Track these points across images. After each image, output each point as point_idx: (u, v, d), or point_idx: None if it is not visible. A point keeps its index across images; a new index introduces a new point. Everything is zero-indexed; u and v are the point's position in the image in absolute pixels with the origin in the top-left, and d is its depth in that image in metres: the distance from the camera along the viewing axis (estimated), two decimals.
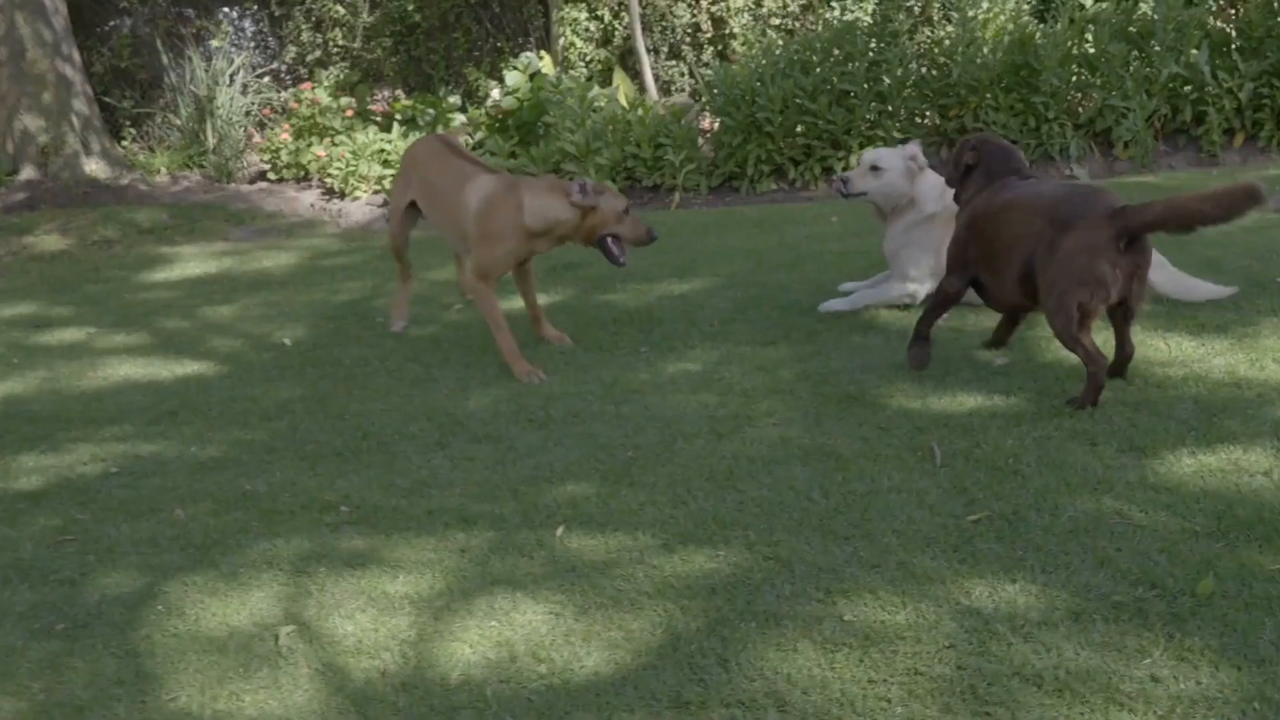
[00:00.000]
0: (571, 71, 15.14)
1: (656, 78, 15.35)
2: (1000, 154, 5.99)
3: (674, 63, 15.92)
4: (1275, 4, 11.49)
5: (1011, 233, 5.49)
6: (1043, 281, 5.31)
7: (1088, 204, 5.23)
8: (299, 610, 4.36)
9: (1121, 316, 5.40)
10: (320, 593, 4.46)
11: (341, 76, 16.38)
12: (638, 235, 6.66)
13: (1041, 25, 12.35)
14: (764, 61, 12.46)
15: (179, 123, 15.17)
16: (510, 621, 4.12)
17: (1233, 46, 11.54)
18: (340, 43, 16.83)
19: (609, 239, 6.64)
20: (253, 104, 15.43)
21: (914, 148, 6.87)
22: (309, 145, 14.15)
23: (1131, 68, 11.55)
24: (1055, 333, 5.36)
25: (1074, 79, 11.84)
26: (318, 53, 16.86)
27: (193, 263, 11.36)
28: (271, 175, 14.48)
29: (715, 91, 12.62)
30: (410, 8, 16.48)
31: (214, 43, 15.88)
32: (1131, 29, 11.95)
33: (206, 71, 14.91)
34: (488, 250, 6.72)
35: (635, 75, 14.94)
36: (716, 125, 12.93)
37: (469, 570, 4.50)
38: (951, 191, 6.20)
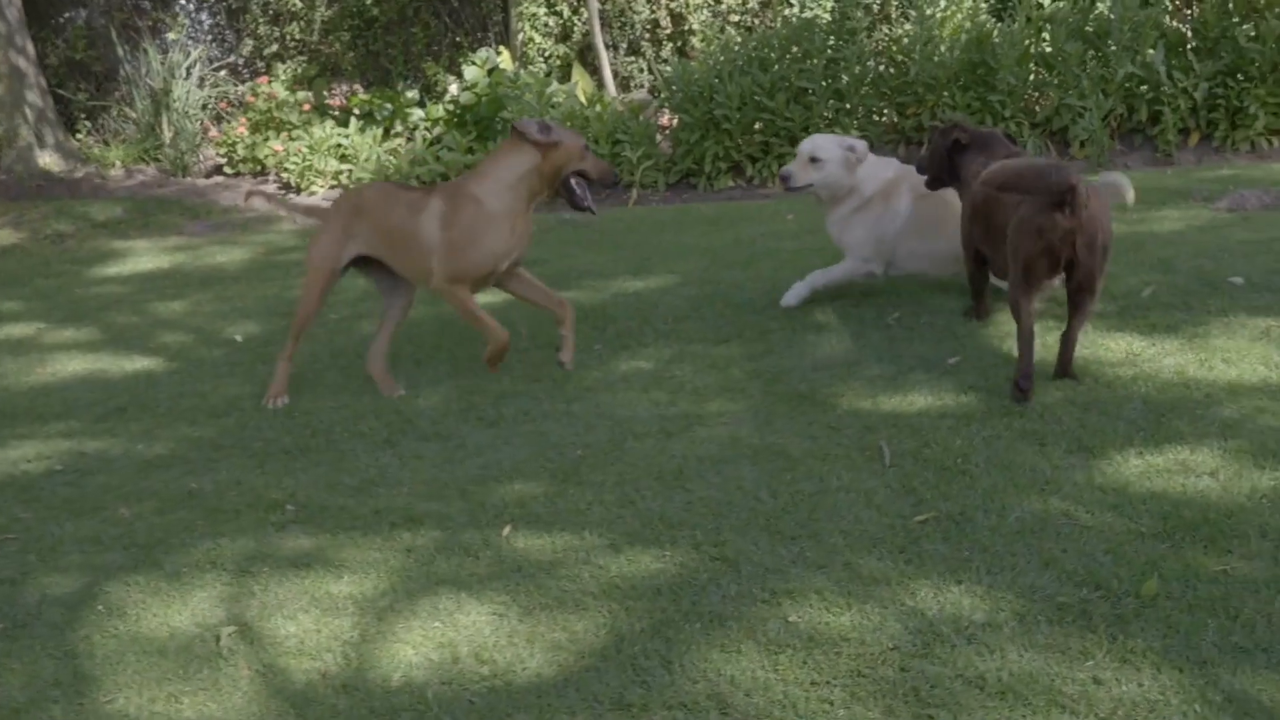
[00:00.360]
0: (530, 67, 15.10)
1: (615, 74, 15.33)
2: (991, 134, 6.25)
3: (633, 59, 15.90)
4: (1230, 5, 11.55)
5: (1002, 207, 5.56)
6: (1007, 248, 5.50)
7: (1045, 174, 5.28)
8: (241, 611, 4.32)
9: (1075, 293, 5.43)
10: (263, 593, 4.42)
11: (299, 70, 16.29)
12: (601, 172, 6.33)
13: (999, 24, 12.38)
14: (722, 58, 12.45)
15: (134, 116, 15.08)
16: (454, 622, 4.09)
17: (1188, 47, 11.61)
18: (297, 36, 16.75)
19: (572, 180, 6.25)
20: (209, 97, 15.34)
21: (853, 140, 6.89)
22: (265, 139, 14.07)
23: (1088, 67, 11.59)
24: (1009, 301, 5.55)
25: (1031, 78, 11.88)
26: (275, 46, 16.77)
27: (146, 257, 11.28)
28: (228, 169, 14.40)
29: (674, 88, 12.61)
30: (368, 2, 16.40)
31: (170, 35, 15.77)
32: (1088, 28, 11.99)
33: (162, 64, 14.82)
34: (458, 256, 6.18)
35: (594, 71, 14.91)
36: (675, 122, 12.91)
37: (414, 570, 4.47)
38: (889, 171, 6.43)
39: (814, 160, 6.73)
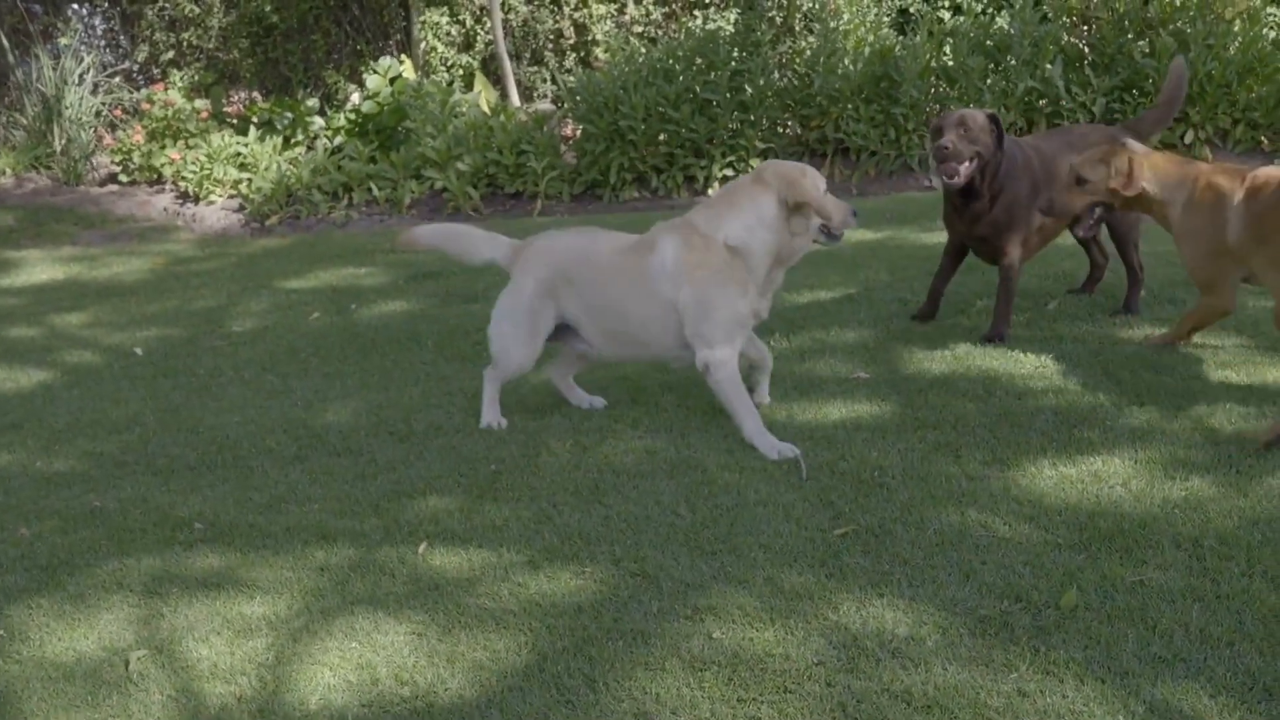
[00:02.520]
0: (433, 76, 15.01)
1: (519, 83, 15.27)
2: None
3: (536, 69, 15.85)
4: (1125, 22, 11.77)
5: None
6: None
7: None
8: (151, 634, 4.20)
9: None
10: (173, 615, 4.31)
11: (196, 77, 16.05)
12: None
13: (901, 38, 12.51)
14: (627, 69, 12.45)
15: (25, 122, 14.74)
16: (372, 643, 4.01)
17: (1086, 62, 11.82)
18: (195, 43, 16.49)
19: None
20: (103, 104, 15.05)
21: None
22: (162, 148, 13.83)
23: (989, 81, 11.75)
24: None
25: (933, 91, 12.02)
26: (171, 53, 16.49)
27: (39, 268, 11.04)
28: (123, 178, 14.14)
29: (578, 98, 12.58)
30: (268, 8, 16.20)
31: (63, 41, 15.45)
32: (989, 43, 12.17)
33: (54, 70, 14.51)
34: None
35: (497, 81, 14.84)
36: (579, 133, 12.89)
37: (328, 590, 4.38)
38: None
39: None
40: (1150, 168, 5.77)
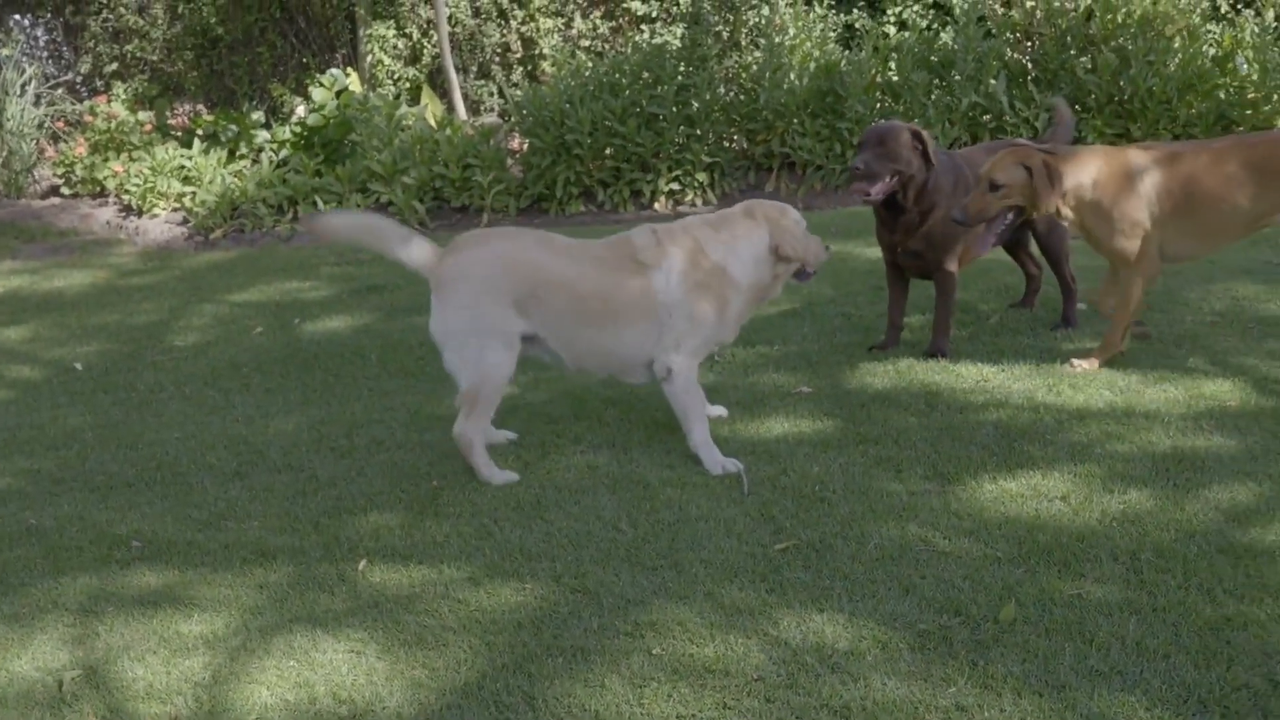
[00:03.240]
0: (379, 89, 14.96)
1: (465, 97, 15.25)
2: None
3: (483, 82, 15.82)
4: (1068, 38, 11.87)
5: None
6: None
7: None
8: (86, 654, 4.16)
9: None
10: (109, 634, 4.26)
11: (140, 90, 15.92)
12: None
13: (846, 53, 12.56)
14: (573, 83, 12.44)
15: None
16: (310, 661, 3.98)
17: (1029, 77, 11.90)
18: (139, 54, 16.37)
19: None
20: (45, 116, 14.91)
21: None
22: (105, 160, 13.72)
23: (933, 96, 11.81)
24: None
25: (878, 106, 12.06)
26: (115, 65, 16.37)
27: None
28: (65, 190, 14.01)
29: (524, 112, 12.57)
30: (213, 20, 16.11)
31: (4, 51, 15.30)
32: (933, 59, 12.25)
33: None
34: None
35: (444, 94, 14.80)
36: (525, 146, 12.87)
37: (267, 607, 4.35)
38: None
39: None
40: (1065, 159, 5.86)
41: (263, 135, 13.90)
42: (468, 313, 5.14)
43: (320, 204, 12.52)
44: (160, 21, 16.30)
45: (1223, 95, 11.60)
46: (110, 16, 16.33)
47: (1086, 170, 5.84)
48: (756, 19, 13.23)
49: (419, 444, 5.78)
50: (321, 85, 13.59)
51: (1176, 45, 11.66)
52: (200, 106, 16.32)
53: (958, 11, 12.47)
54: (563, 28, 15.68)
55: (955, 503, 4.69)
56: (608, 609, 4.11)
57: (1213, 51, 11.98)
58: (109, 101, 14.38)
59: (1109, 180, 5.81)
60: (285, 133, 13.74)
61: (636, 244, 5.31)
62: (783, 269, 5.42)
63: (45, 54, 16.68)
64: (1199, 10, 12.09)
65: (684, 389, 5.28)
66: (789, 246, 5.34)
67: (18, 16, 16.47)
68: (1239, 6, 13.78)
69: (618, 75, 12.42)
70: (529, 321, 5.19)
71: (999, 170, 5.86)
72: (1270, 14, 11.75)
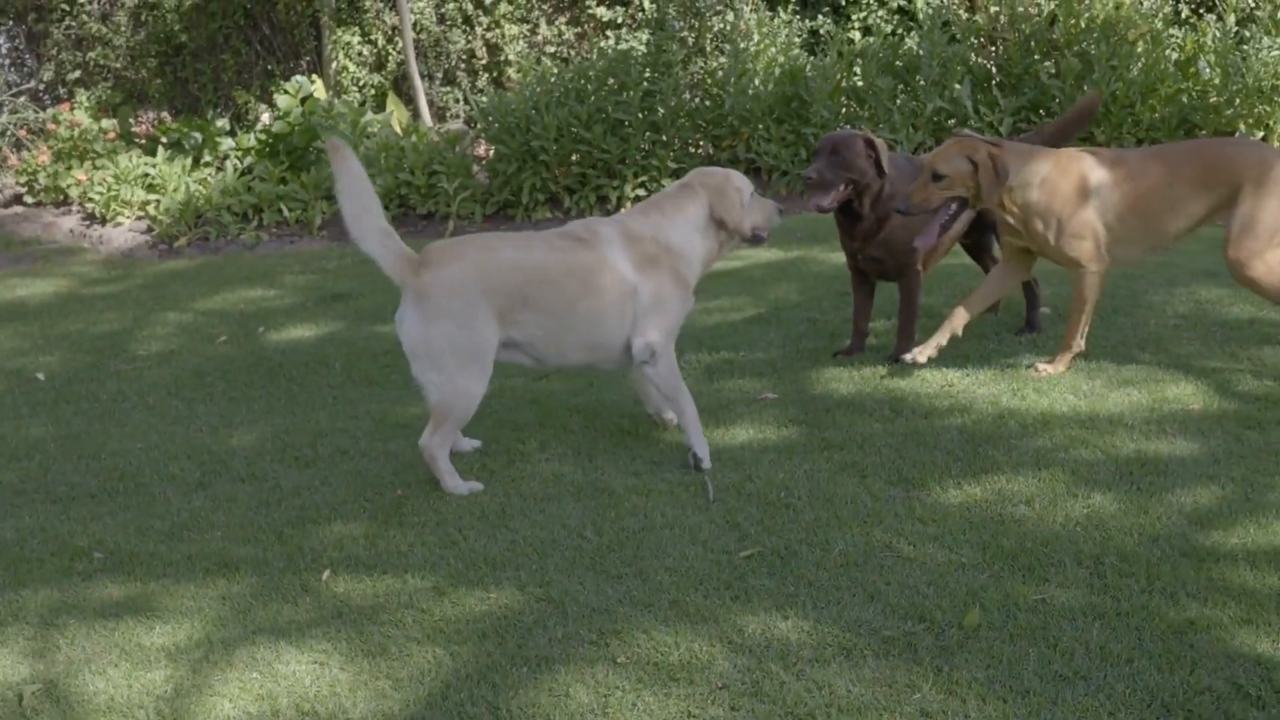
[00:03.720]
0: (344, 96, 14.92)
1: (431, 104, 15.22)
2: None
3: (449, 89, 15.80)
4: (1032, 43, 11.92)
5: None
6: None
7: None
8: (46, 667, 4.12)
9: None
10: (70, 646, 4.22)
11: (104, 97, 15.84)
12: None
13: (811, 59, 12.58)
14: (539, 89, 12.43)
15: None
16: (273, 672, 3.96)
17: (993, 82, 11.94)
18: (102, 62, 16.28)
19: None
20: (8, 124, 14.82)
21: None
22: (69, 168, 13.63)
23: (898, 101, 11.84)
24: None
25: (843, 111, 12.09)
26: (78, 72, 16.27)
27: None
28: (29, 199, 13.91)
29: (490, 119, 12.54)
30: (177, 27, 16.03)
31: None
32: (898, 64, 12.28)
33: None
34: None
35: (409, 101, 14.78)
36: (491, 153, 12.84)
37: (230, 618, 4.32)
38: None
39: None
40: (1011, 155, 5.88)
41: (227, 143, 13.84)
42: (451, 331, 5.06)
43: (285, 211, 12.47)
44: (124, 29, 16.21)
45: (1185, 99, 11.67)
46: (73, 24, 16.24)
47: (1035, 169, 5.86)
48: (721, 25, 13.24)
49: (383, 453, 5.76)
50: (286, 92, 13.53)
51: (1139, 50, 11.72)
52: (164, 114, 16.24)
53: (922, 17, 12.52)
54: (528, 34, 15.67)
55: (920, 508, 4.70)
56: (572, 617, 4.10)
57: (1175, 56, 12.06)
58: (72, 109, 14.29)
59: (1057, 181, 5.86)
60: (250, 140, 13.68)
61: (573, 228, 5.37)
62: (725, 236, 5.48)
63: (7, 61, 16.58)
64: (1161, 15, 12.16)
65: (668, 368, 5.32)
66: (729, 215, 5.41)
67: None
68: (1201, 11, 13.88)
69: (583, 81, 12.41)
70: (511, 329, 5.16)
71: (942, 160, 5.88)
72: (1231, 18, 11.83)
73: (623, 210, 5.60)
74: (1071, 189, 5.84)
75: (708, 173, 5.54)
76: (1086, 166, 5.89)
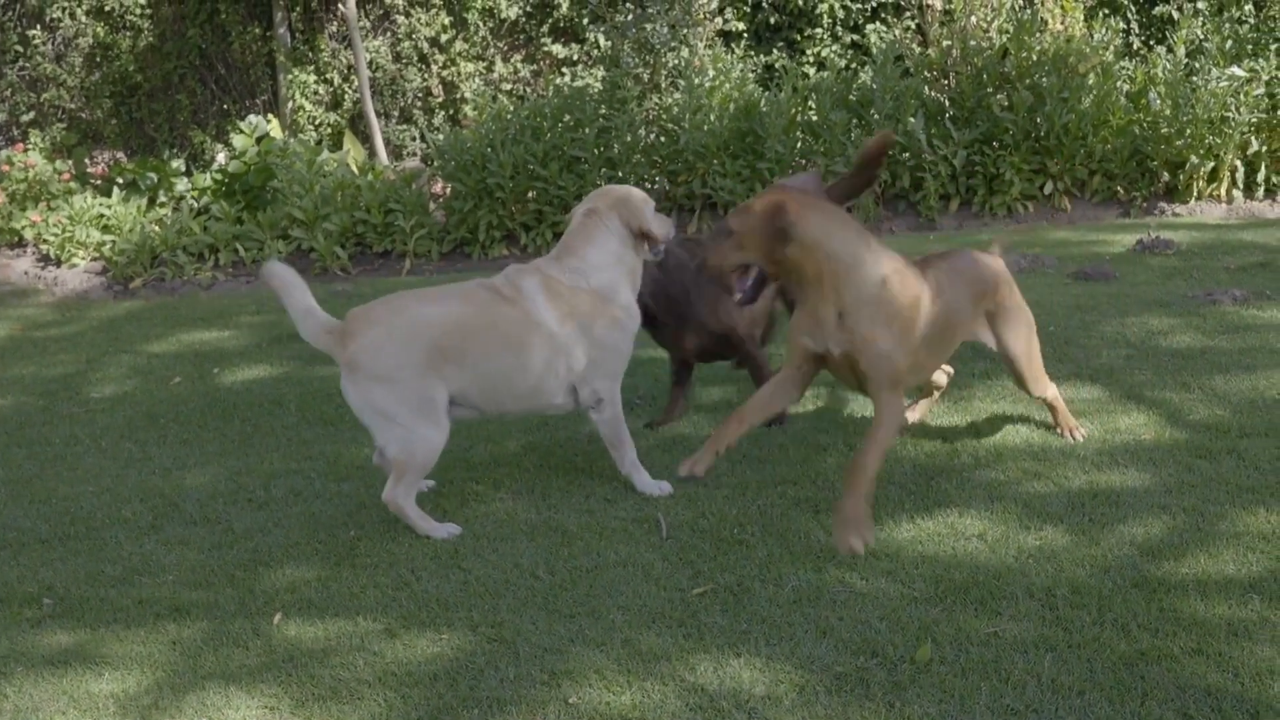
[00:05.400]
0: (300, 135, 14.89)
1: (387, 142, 15.21)
2: None
3: (405, 127, 15.80)
4: (984, 76, 12.01)
5: None
6: None
7: None
8: None
9: None
10: (17, 695, 4.18)
11: (58, 138, 15.77)
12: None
13: (766, 93, 12.64)
14: (495, 127, 12.44)
15: None
16: (223, 718, 3.92)
17: (946, 116, 12.03)
18: (56, 103, 16.21)
19: None
20: None
21: None
22: (23, 210, 13.54)
23: (853, 135, 11.90)
24: None
25: (798, 145, 12.15)
26: (32, 113, 16.20)
27: None
28: None
29: (446, 157, 12.55)
30: (131, 68, 15.99)
31: None
32: (852, 98, 12.36)
33: None
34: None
35: (365, 140, 14.77)
36: (448, 190, 12.84)
37: (180, 664, 4.28)
38: None
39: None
40: (818, 215, 4.69)
41: (183, 183, 13.78)
42: (389, 390, 5.02)
43: (241, 251, 12.42)
44: (78, 69, 16.15)
45: (1137, 130, 11.81)
46: (27, 65, 16.17)
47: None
48: (676, 61, 13.30)
49: (337, 494, 5.73)
50: (242, 132, 13.50)
51: (1090, 82, 11.83)
52: (120, 154, 16.17)
53: (875, 51, 12.61)
54: (484, 71, 15.69)
55: (873, 543, 4.70)
56: (524, 658, 4.08)
57: (1126, 87, 12.19)
58: (26, 150, 14.21)
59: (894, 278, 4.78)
60: (206, 180, 13.62)
61: (496, 280, 5.33)
62: (640, 246, 5.42)
63: None
64: (1112, 47, 12.28)
65: (613, 415, 5.32)
66: (650, 222, 5.38)
67: None
68: (1151, 43, 14.03)
69: (539, 119, 12.43)
70: (447, 382, 5.09)
71: (735, 215, 4.81)
72: (1181, 50, 11.94)
73: (542, 256, 5.49)
74: (911, 301, 4.87)
75: (606, 191, 5.47)
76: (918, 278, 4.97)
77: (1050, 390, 5.53)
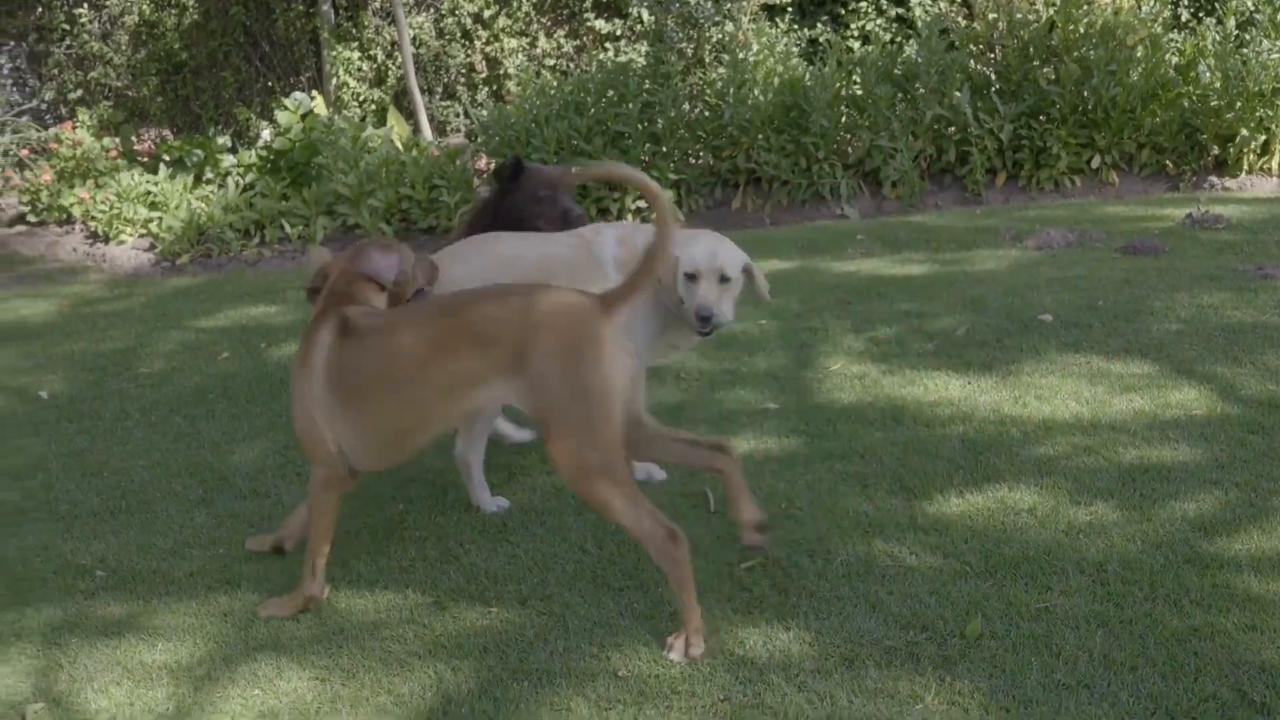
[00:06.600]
0: (345, 112, 14.92)
1: (431, 118, 15.22)
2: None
3: (449, 103, 15.81)
4: (1030, 49, 11.92)
5: None
6: None
7: None
8: (49, 685, 4.12)
9: None
10: (72, 665, 4.22)
11: (105, 116, 15.86)
12: (430, 279, 4.99)
13: (810, 68, 12.59)
14: (538, 102, 12.44)
15: None
16: (274, 689, 3.95)
17: (992, 89, 11.95)
18: (103, 81, 16.31)
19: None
20: (10, 144, 14.83)
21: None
22: (71, 187, 13.64)
23: (897, 109, 11.85)
24: None
25: (842, 120, 12.10)
26: (79, 91, 16.30)
27: None
28: (32, 218, 13.91)
29: (490, 132, 12.55)
30: (177, 45, 16.07)
31: None
32: (896, 72, 12.29)
33: None
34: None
35: (409, 116, 14.79)
36: (492, 166, 12.84)
37: (231, 635, 4.32)
38: None
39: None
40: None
41: (228, 160, 13.83)
42: None
43: (287, 227, 12.47)
44: (124, 48, 16.24)
45: (1185, 104, 11.68)
46: (74, 44, 16.27)
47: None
48: (720, 35, 13.25)
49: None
50: (286, 109, 13.54)
51: (1139, 54, 11.72)
52: (165, 132, 16.26)
53: (920, 24, 12.53)
54: (527, 47, 15.68)
55: (921, 517, 4.69)
56: (573, 631, 4.09)
57: (1175, 60, 12.07)
58: (74, 128, 14.31)
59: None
60: (251, 157, 13.68)
61: (581, 229, 5.38)
62: None
63: (9, 82, 16.58)
64: (1160, 20, 12.16)
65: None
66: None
67: None
68: (1200, 15, 13.88)
69: (582, 94, 12.43)
70: None
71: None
72: (1231, 22, 11.82)
73: (620, 220, 5.46)
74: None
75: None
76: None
77: None
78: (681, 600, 3.89)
